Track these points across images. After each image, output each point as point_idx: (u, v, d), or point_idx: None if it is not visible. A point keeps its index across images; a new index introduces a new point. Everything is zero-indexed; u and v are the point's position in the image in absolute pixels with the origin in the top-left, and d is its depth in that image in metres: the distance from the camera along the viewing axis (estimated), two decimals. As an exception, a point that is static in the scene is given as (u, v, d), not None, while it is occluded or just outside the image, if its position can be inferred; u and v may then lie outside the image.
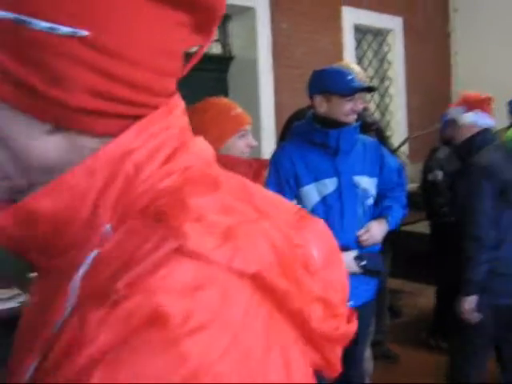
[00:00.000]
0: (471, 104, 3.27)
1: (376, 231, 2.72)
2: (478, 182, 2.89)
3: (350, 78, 2.65)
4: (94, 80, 0.51)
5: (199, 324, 0.45)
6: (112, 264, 0.50)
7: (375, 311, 3.18)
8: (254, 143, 2.48)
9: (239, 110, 2.49)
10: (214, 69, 5.15)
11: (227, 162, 2.25)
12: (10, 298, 2.70)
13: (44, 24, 0.48)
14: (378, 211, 2.81)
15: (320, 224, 0.67)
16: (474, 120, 3.21)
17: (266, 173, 2.52)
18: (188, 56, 0.61)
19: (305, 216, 0.65)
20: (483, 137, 3.17)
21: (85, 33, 0.49)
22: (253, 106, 5.09)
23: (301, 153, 2.68)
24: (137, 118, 0.55)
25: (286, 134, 3.28)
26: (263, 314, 0.50)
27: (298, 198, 2.66)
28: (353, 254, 2.64)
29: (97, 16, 0.49)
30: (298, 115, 3.28)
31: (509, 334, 2.97)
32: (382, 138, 3.67)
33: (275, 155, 2.78)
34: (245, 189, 0.59)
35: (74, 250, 0.54)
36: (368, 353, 3.37)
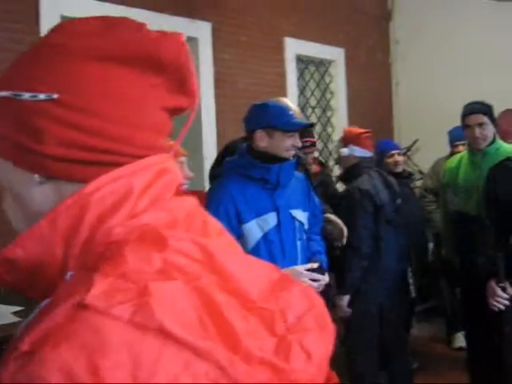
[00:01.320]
0: (347, 139, 4.02)
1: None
2: (360, 201, 3.64)
3: (291, 113, 2.66)
4: (67, 133, 0.62)
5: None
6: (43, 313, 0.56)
7: None
8: (190, 174, 2.50)
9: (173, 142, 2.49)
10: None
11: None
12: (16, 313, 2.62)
13: (28, 94, 0.63)
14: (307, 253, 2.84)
15: (301, 288, 0.70)
16: (350, 153, 3.91)
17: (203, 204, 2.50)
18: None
19: (286, 280, 0.69)
20: (360, 165, 3.85)
21: (55, 96, 0.62)
22: (195, 135, 5.08)
23: (240, 189, 2.65)
24: (117, 165, 0.63)
25: (217, 168, 3.23)
26: (176, 365, 0.52)
27: (239, 235, 2.61)
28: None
29: (67, 82, 0.63)
30: (229, 148, 3.27)
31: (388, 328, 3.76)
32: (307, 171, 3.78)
33: (214, 193, 2.73)
34: (206, 252, 0.63)
35: (50, 295, 0.60)
36: None
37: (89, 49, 0.64)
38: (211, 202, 2.64)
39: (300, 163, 3.66)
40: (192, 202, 0.72)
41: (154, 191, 0.64)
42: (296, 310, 0.65)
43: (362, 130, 4.07)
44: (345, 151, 3.95)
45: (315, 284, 2.60)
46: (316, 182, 4.15)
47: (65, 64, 0.63)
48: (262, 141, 2.66)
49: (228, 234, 0.76)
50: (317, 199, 3.03)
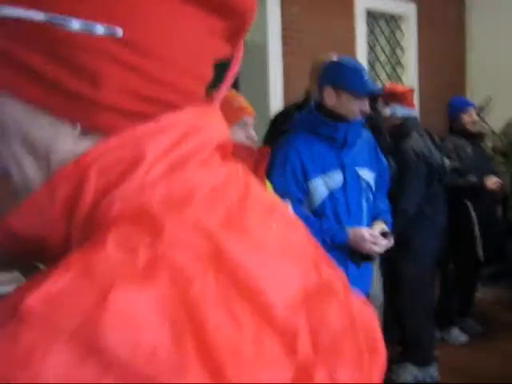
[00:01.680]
0: (390, 97, 3.79)
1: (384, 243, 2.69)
2: (414, 164, 3.54)
3: (364, 77, 2.61)
4: (129, 78, 0.49)
5: None
6: None
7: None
8: (254, 136, 2.43)
9: (243, 102, 2.47)
10: (223, 54, 5.12)
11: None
12: (9, 281, 2.72)
13: (78, 23, 0.47)
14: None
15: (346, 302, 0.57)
16: (393, 112, 3.76)
17: (266, 162, 2.47)
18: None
19: (327, 287, 0.55)
20: (406, 125, 3.73)
21: (120, 32, 0.48)
22: (262, 93, 5.07)
23: (307, 145, 2.63)
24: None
25: (273, 132, 3.22)
26: None
27: (305, 191, 2.62)
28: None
29: (133, 16, 0.49)
30: (284, 115, 3.23)
31: None
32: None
33: (281, 147, 2.70)
34: (215, 242, 0.48)
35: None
36: None
37: None
38: (277, 156, 2.62)
39: (371, 123, 3.63)
40: (232, 170, 0.56)
41: (174, 157, 0.51)
42: (332, 329, 0.51)
43: (406, 88, 3.93)
44: (387, 111, 3.79)
45: (376, 248, 2.59)
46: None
47: None
48: (329, 98, 2.62)
49: (283, 211, 0.58)
50: (384, 160, 2.97)
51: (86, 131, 0.50)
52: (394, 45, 6.47)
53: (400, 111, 3.73)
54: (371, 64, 6.18)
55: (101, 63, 0.48)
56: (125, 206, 0.49)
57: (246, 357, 0.43)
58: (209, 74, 0.56)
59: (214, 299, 0.44)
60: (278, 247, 0.52)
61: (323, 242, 2.58)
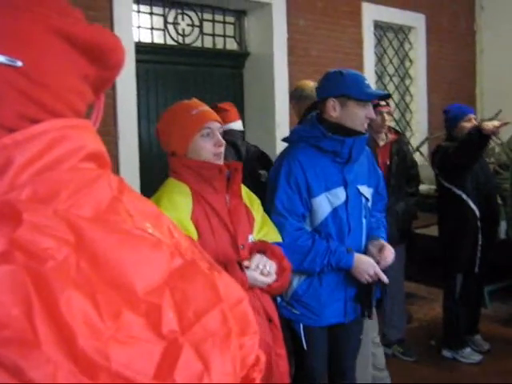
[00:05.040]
0: None
1: (390, 255, 2.61)
2: None
3: (366, 83, 2.53)
4: (23, 104, 0.58)
5: None
6: None
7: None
8: (222, 142, 2.16)
9: (204, 108, 2.19)
10: (229, 65, 5.10)
11: (193, 167, 2.09)
12: None
13: None
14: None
15: (209, 279, 0.61)
16: None
17: (240, 177, 2.31)
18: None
19: (190, 267, 0.59)
20: None
21: (20, 63, 0.57)
22: (268, 103, 5.03)
23: (310, 160, 2.53)
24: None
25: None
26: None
27: (309, 209, 2.54)
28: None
29: (31, 50, 0.59)
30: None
31: None
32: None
33: (283, 162, 2.58)
34: (76, 228, 0.54)
35: None
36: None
37: (51, 22, 0.60)
38: (282, 170, 2.54)
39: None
40: (104, 176, 0.62)
41: (43, 161, 0.58)
42: (196, 305, 0.55)
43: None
44: None
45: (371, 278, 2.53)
46: (393, 151, 4.02)
47: (29, 29, 0.59)
48: (333, 110, 2.52)
49: (157, 215, 0.65)
50: (380, 174, 2.88)
51: None
52: (403, 56, 6.41)
53: None
54: (379, 76, 6.12)
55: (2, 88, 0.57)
56: None
57: (103, 332, 0.47)
58: (81, 106, 0.65)
59: (71, 280, 0.48)
60: (144, 241, 0.57)
61: (327, 264, 2.51)
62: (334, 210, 2.54)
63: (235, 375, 0.55)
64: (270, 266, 2.11)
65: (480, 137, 3.65)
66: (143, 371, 0.48)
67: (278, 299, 2.62)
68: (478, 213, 4.03)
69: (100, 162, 0.63)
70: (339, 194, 2.54)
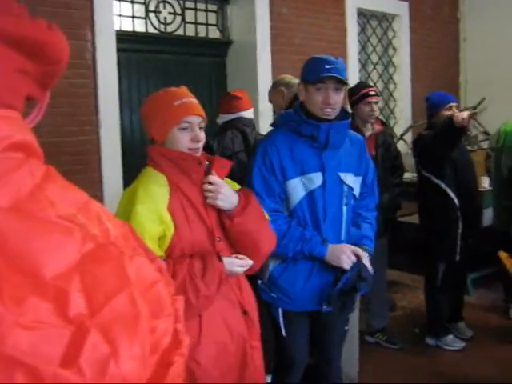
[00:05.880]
0: None
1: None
2: None
3: (325, 66, 2.45)
4: None
5: None
6: None
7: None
8: (200, 137, 2.09)
9: (188, 100, 2.10)
10: (212, 53, 5.07)
11: (171, 157, 2.06)
12: None
13: None
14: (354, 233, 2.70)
15: (118, 262, 0.60)
16: None
17: (224, 173, 2.25)
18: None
19: (102, 251, 0.60)
20: None
21: None
22: (251, 91, 4.98)
23: (287, 144, 2.54)
24: None
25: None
26: None
27: (284, 191, 2.54)
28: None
29: None
30: None
31: None
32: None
33: (261, 143, 2.63)
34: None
35: None
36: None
37: None
38: (258, 152, 2.57)
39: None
40: (30, 166, 0.62)
41: None
42: (106, 289, 0.54)
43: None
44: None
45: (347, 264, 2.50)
46: (378, 142, 4.01)
47: None
48: (301, 95, 2.57)
49: (85, 202, 0.64)
50: (372, 167, 2.82)
51: None
52: (386, 44, 6.40)
53: None
54: (362, 64, 6.11)
55: None
56: None
57: (5, 317, 0.47)
58: (13, 100, 0.65)
59: None
60: (55, 227, 0.56)
61: (300, 251, 2.50)
62: (310, 194, 2.53)
63: (144, 358, 0.54)
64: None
65: (453, 126, 3.64)
66: (49, 356, 0.48)
67: (259, 281, 2.64)
68: (457, 201, 4.03)
69: (28, 152, 0.63)
70: (314, 179, 2.53)
